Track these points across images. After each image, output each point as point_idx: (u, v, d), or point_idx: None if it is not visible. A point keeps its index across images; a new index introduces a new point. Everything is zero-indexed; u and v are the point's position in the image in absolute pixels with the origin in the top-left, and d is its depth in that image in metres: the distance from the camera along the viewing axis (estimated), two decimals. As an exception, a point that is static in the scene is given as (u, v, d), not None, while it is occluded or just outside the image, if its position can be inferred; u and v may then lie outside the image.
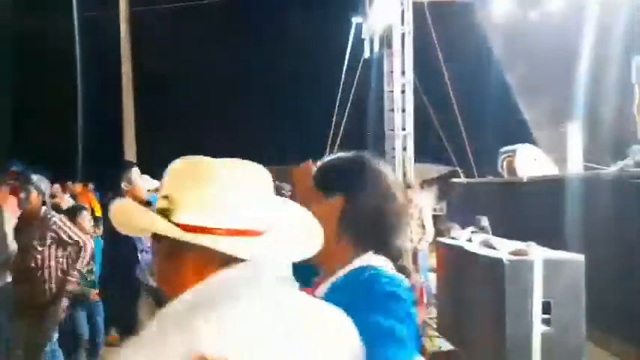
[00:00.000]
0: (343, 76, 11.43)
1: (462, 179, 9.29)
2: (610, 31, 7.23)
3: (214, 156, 1.00)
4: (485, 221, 5.27)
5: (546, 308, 3.63)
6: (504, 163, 7.06)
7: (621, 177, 4.69)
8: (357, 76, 11.06)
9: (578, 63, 7.89)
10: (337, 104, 11.60)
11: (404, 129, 9.60)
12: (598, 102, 6.96)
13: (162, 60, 15.60)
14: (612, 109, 6.63)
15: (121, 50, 14.58)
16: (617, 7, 7.29)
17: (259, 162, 1.00)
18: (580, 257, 3.66)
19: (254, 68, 15.74)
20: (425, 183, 10.87)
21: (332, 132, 11.45)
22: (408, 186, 6.37)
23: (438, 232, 6.59)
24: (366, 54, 11.53)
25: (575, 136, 5.91)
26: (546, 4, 8.47)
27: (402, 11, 9.28)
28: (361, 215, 1.26)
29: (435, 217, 9.62)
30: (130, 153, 14.30)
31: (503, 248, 3.98)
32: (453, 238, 4.94)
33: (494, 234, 4.83)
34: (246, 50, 15.59)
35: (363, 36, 11.68)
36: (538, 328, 3.63)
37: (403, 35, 9.30)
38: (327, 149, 11.45)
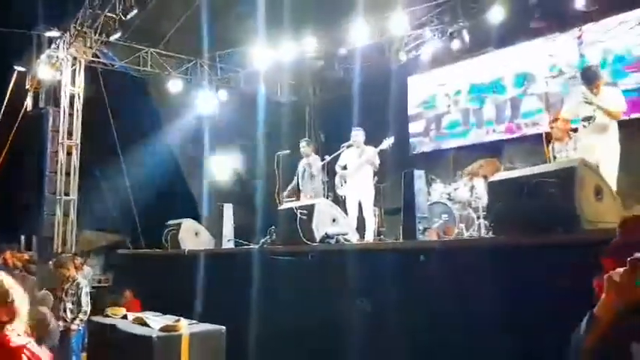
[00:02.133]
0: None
1: (129, 250, 9.10)
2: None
3: None
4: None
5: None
6: (169, 236, 7.31)
7: (262, 252, 5.53)
8: (13, 130, 9.72)
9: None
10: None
11: (67, 194, 8.89)
12: (251, 186, 8.15)
13: None
14: (259, 193, 7.86)
15: None
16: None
17: None
18: (221, 329, 4.08)
19: None
20: (91, 252, 10.15)
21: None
22: (60, 264, 5.81)
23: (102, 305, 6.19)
24: (29, 107, 10.37)
25: (229, 215, 6.69)
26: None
27: (74, 71, 8.86)
28: None
29: (101, 289, 9.04)
30: None
31: (156, 325, 4.09)
32: (107, 316, 4.76)
33: (158, 307, 4.92)
34: None
35: (27, 87, 10.51)
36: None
37: (73, 96, 8.83)
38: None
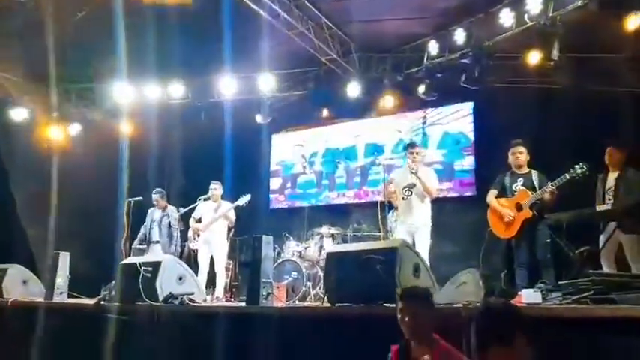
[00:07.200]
0: None
1: None
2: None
3: None
4: None
5: None
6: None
7: (97, 310, 5.19)
8: None
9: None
10: None
11: None
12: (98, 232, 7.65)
13: None
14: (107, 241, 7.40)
15: None
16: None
17: None
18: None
19: None
20: None
21: None
22: None
23: None
24: None
25: (64, 264, 6.14)
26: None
27: None
28: None
29: None
30: None
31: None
32: None
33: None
34: None
35: None
36: None
37: None
38: None
